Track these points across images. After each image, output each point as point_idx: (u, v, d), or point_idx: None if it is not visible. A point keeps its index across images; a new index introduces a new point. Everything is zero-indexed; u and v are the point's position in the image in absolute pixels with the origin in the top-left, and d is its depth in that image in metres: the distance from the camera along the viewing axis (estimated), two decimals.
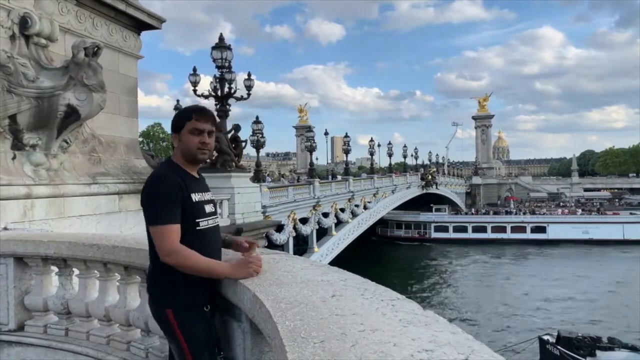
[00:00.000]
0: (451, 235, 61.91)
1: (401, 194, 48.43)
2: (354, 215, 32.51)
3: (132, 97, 9.83)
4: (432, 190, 62.14)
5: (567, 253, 52.73)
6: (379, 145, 55.45)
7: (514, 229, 61.00)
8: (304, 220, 24.80)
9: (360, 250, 40.33)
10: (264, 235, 18.54)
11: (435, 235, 62.11)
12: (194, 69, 19.43)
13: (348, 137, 39.56)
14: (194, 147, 2.53)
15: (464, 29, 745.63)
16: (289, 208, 23.10)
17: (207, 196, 2.60)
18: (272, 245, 18.96)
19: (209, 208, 2.59)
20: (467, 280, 43.16)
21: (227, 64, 17.28)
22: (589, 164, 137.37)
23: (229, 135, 17.37)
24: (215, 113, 10.78)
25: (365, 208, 35.24)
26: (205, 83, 18.31)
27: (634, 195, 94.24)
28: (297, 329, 1.52)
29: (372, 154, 48.07)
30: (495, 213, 68.16)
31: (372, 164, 49.56)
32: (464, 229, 62.43)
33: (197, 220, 2.48)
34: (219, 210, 14.47)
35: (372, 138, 48.99)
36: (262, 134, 28.72)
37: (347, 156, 40.09)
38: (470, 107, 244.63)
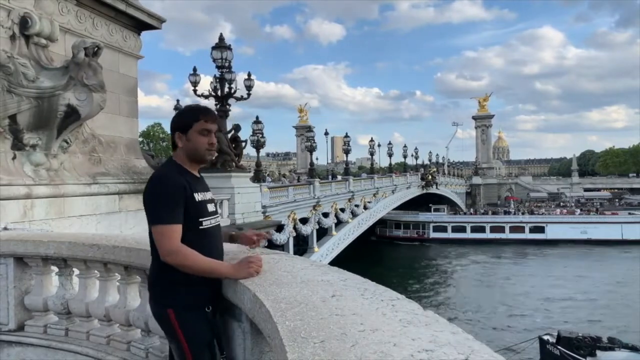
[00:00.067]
0: (450, 235, 61.94)
1: (401, 194, 48.42)
2: (354, 215, 32.52)
3: (132, 97, 9.83)
4: (432, 190, 62.16)
5: (566, 253, 52.74)
6: (379, 145, 55.52)
7: (513, 229, 61.04)
8: (304, 220, 24.80)
9: (360, 250, 40.30)
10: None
11: (433, 235, 62.15)
12: (194, 69, 19.47)
13: (348, 137, 39.59)
14: (202, 148, 2.54)
15: (464, 29, 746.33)
16: (289, 208, 23.10)
17: (208, 195, 2.61)
18: (272, 245, 18.95)
19: (211, 207, 2.60)
20: (466, 280, 43.17)
21: (227, 64, 17.31)
22: (589, 164, 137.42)
23: (229, 135, 17.39)
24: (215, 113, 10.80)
25: (365, 208, 35.24)
26: (206, 83, 18.38)
27: (634, 195, 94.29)
28: (297, 329, 1.52)
29: (372, 154, 48.11)
30: (494, 213, 68.19)
31: (372, 164, 49.56)
32: (462, 229, 62.52)
33: (200, 220, 2.49)
34: (219, 210, 14.44)
35: (372, 138, 49.14)
36: (262, 134, 28.72)
37: (347, 156, 40.11)
38: (470, 107, 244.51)
